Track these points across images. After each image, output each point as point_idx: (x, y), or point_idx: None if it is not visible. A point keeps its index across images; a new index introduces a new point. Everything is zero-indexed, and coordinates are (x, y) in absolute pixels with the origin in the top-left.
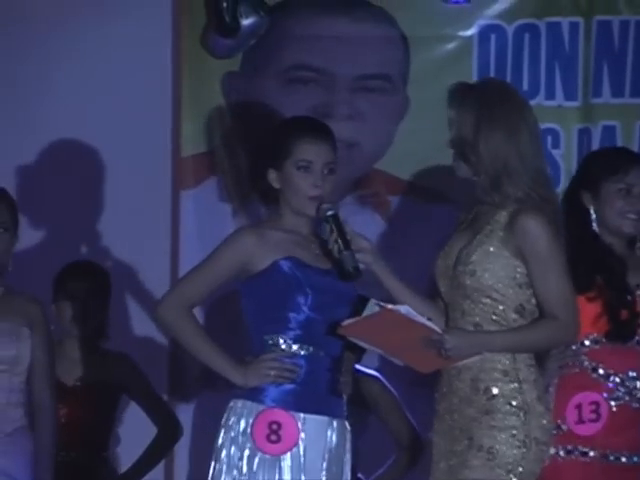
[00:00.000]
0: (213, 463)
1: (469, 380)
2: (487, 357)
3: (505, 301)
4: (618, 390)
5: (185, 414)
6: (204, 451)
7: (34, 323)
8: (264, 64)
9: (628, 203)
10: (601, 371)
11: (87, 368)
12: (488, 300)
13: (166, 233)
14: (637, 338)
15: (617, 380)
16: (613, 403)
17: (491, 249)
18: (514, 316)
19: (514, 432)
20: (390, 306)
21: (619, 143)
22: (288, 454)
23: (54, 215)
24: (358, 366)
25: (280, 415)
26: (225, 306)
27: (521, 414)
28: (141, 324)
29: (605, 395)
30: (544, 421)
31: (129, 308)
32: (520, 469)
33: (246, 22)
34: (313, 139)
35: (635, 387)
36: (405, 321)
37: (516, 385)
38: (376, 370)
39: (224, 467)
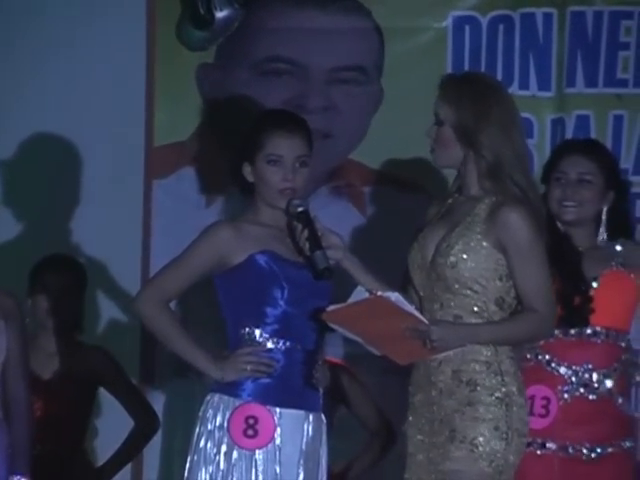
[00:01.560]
0: (190, 457)
1: (450, 372)
2: (469, 349)
3: (486, 293)
4: (572, 382)
5: (156, 406)
6: (176, 440)
7: (9, 316)
8: (238, 56)
9: (563, 191)
10: (554, 364)
11: (63, 361)
12: (469, 292)
13: (138, 222)
14: (591, 330)
15: (570, 372)
16: (566, 396)
17: (472, 241)
18: (494, 308)
19: (497, 424)
20: (380, 292)
21: (593, 132)
22: (264, 449)
23: (25, 207)
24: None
25: (257, 410)
26: (201, 297)
27: (503, 406)
28: (112, 315)
29: (559, 387)
30: (523, 413)
31: (100, 299)
32: (502, 461)
33: (220, 14)
34: (285, 132)
35: (591, 379)
36: (393, 309)
37: (498, 377)
38: (343, 359)
39: (201, 461)
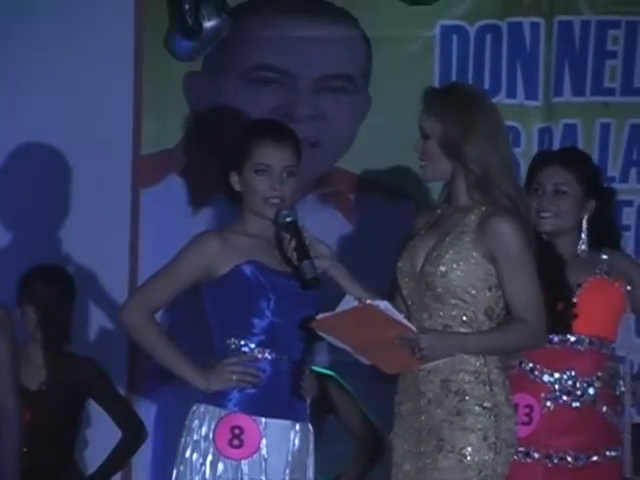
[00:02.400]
0: (176, 467)
1: (439, 381)
2: (458, 359)
3: (475, 303)
4: (555, 390)
5: (144, 415)
6: (165, 450)
7: None
8: (226, 64)
9: (539, 202)
10: (537, 372)
11: (51, 372)
12: (458, 302)
13: (126, 231)
14: (574, 338)
15: (553, 380)
16: (549, 403)
17: (462, 251)
18: (483, 318)
19: (486, 434)
20: (369, 301)
21: (580, 141)
22: (250, 459)
23: (13, 216)
24: (313, 366)
25: (242, 420)
26: (187, 306)
27: (492, 416)
28: (100, 324)
29: (542, 395)
30: (511, 423)
31: (88, 308)
32: (491, 471)
33: (208, 24)
34: (272, 142)
35: (574, 387)
36: (382, 317)
37: (487, 387)
38: (329, 368)
39: (187, 472)
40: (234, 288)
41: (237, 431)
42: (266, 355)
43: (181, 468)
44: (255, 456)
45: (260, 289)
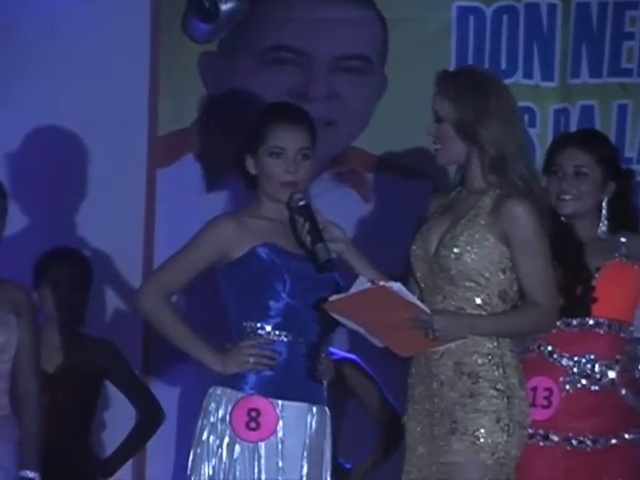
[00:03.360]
0: (192, 450)
1: (452, 364)
2: (471, 341)
3: (489, 285)
4: (574, 373)
5: (161, 397)
6: (180, 432)
7: (20, 310)
8: (242, 45)
9: (560, 185)
10: (557, 355)
11: (69, 354)
12: (472, 284)
13: (141, 212)
14: (593, 321)
15: (572, 363)
16: (568, 387)
17: (476, 233)
18: (497, 301)
19: (499, 416)
20: (382, 282)
21: (597, 122)
22: (266, 441)
23: (30, 199)
24: (333, 349)
25: (259, 402)
26: (202, 288)
27: (505, 398)
28: (116, 306)
29: (562, 378)
30: (524, 406)
31: (104, 290)
32: (504, 453)
33: (225, 7)
34: (286, 125)
35: (593, 370)
36: (395, 299)
37: (500, 370)
38: (349, 351)
39: (204, 454)
40: (250, 270)
41: (254, 413)
42: (282, 337)
43: (198, 450)
44: (272, 438)
45: (276, 271)
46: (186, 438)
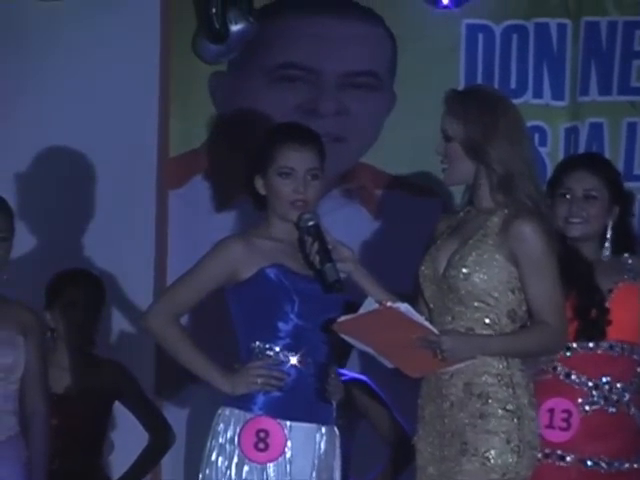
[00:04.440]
0: (202, 471)
1: (462, 384)
2: (480, 362)
3: (498, 306)
4: (592, 395)
5: (171, 419)
6: (193, 454)
7: (28, 331)
8: (251, 64)
9: (569, 208)
10: (574, 377)
11: (79, 375)
12: (482, 304)
13: (152, 233)
14: (608, 343)
15: (591, 384)
16: (588, 408)
17: (485, 254)
18: (506, 321)
19: (509, 437)
20: (389, 303)
21: (606, 140)
22: (275, 462)
23: (39, 219)
24: (343, 370)
25: (267, 423)
26: (212, 307)
27: (515, 419)
28: (127, 328)
29: (580, 400)
30: (534, 426)
31: (115, 311)
32: (514, 474)
33: (235, 28)
34: (296, 145)
35: (611, 392)
36: (403, 320)
37: (510, 390)
38: (361, 372)
39: (213, 475)
40: (258, 291)
41: (262, 434)
42: (290, 358)
43: (207, 472)
44: (280, 459)
45: (284, 292)
46: (195, 459)
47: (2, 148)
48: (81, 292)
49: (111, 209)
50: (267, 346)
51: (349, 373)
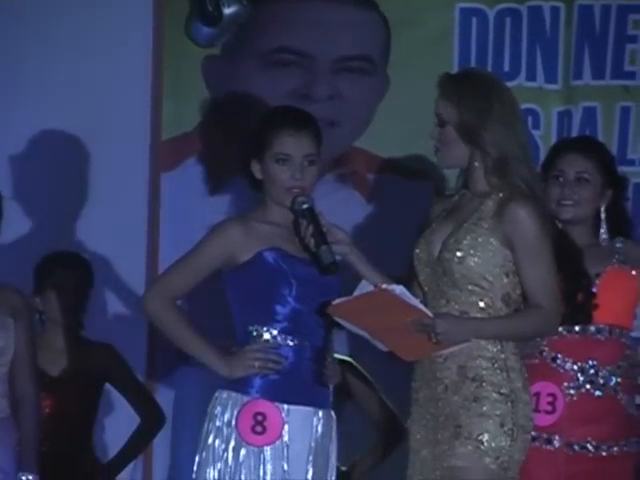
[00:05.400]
0: (198, 454)
1: (456, 368)
2: (475, 345)
3: (493, 289)
4: (578, 379)
5: (163, 400)
6: (184, 435)
7: (17, 314)
8: (244, 48)
9: (561, 190)
10: (560, 361)
11: (72, 358)
12: (476, 288)
13: (144, 216)
14: (594, 327)
15: (576, 368)
16: (573, 392)
17: (479, 237)
18: (500, 304)
19: (503, 420)
20: (384, 286)
21: (599, 124)
22: (272, 445)
23: (33, 203)
24: None
25: (265, 406)
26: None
27: (509, 402)
28: (118, 310)
29: (565, 384)
30: (528, 410)
31: (106, 294)
32: (508, 457)
33: (228, 11)
34: (293, 131)
35: (596, 376)
36: (398, 302)
37: (504, 374)
38: (350, 355)
39: (210, 458)
40: (256, 275)
41: (260, 417)
42: (288, 342)
43: (203, 454)
44: (277, 443)
45: (282, 275)
46: (183, 441)
47: None
48: (69, 274)
49: (103, 192)
50: (264, 329)
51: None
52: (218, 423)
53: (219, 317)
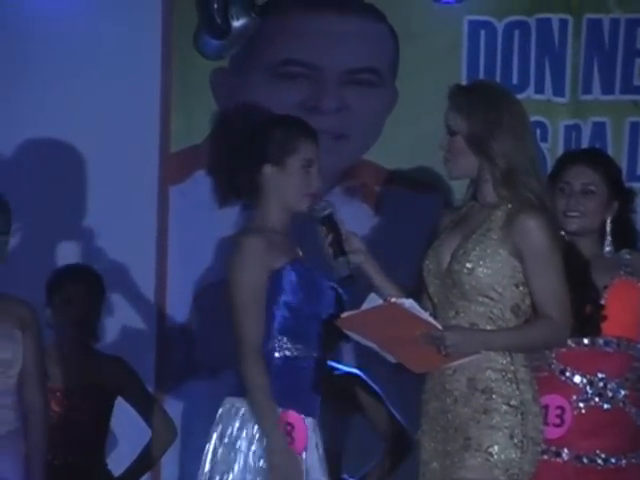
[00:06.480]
0: (205, 464)
1: (466, 380)
2: (484, 357)
3: (502, 300)
4: (587, 391)
5: (172, 413)
6: (193, 446)
7: (26, 326)
8: (253, 60)
9: (567, 202)
10: (569, 373)
11: (83, 371)
12: (485, 299)
13: (153, 228)
14: (603, 340)
15: (585, 381)
16: (582, 405)
17: (489, 248)
18: (509, 315)
19: (512, 432)
20: (394, 299)
21: (609, 139)
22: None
23: (42, 215)
24: (337, 364)
25: (293, 417)
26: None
27: (519, 414)
28: (128, 322)
29: (574, 397)
30: (538, 422)
31: (116, 306)
32: (517, 470)
33: (237, 23)
34: (313, 139)
35: (605, 388)
36: (407, 315)
37: (514, 385)
38: (356, 367)
39: (219, 469)
40: (279, 287)
41: (289, 428)
42: (295, 352)
43: (212, 465)
44: (303, 454)
45: (299, 286)
46: (192, 453)
47: (2, 144)
48: (80, 288)
49: (112, 205)
50: (271, 339)
51: (341, 367)
52: (253, 431)
53: (228, 333)
